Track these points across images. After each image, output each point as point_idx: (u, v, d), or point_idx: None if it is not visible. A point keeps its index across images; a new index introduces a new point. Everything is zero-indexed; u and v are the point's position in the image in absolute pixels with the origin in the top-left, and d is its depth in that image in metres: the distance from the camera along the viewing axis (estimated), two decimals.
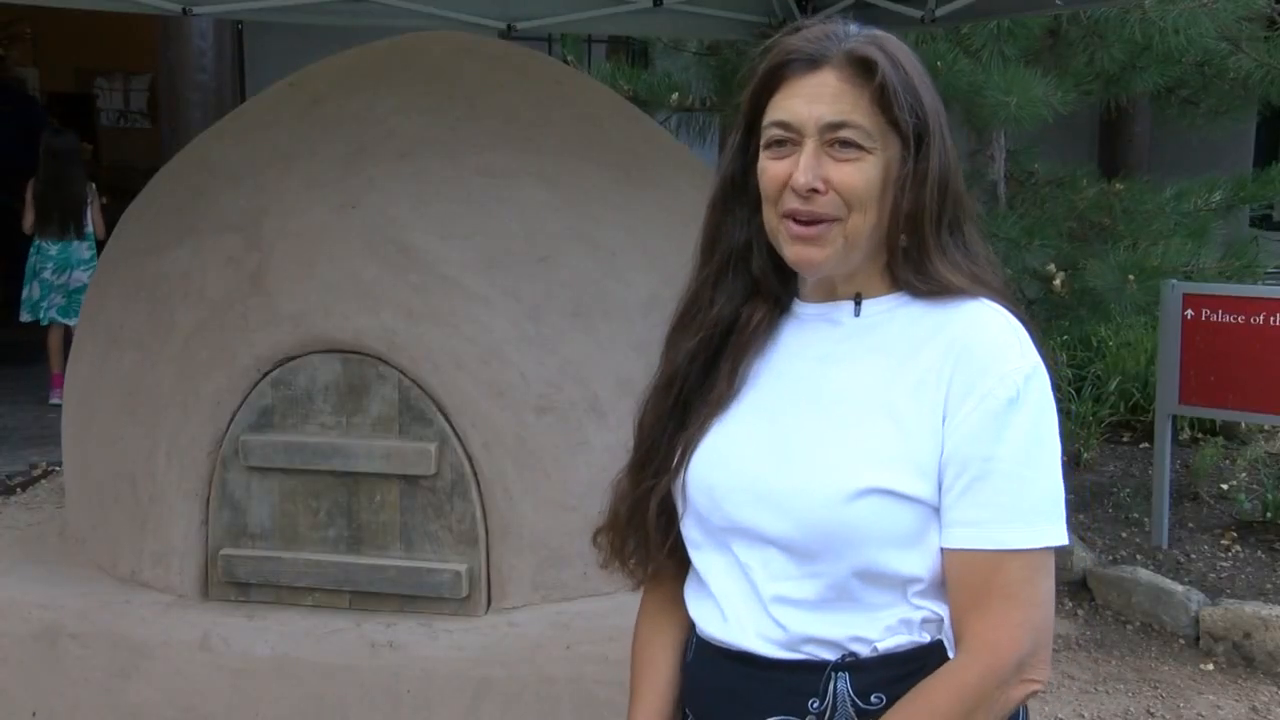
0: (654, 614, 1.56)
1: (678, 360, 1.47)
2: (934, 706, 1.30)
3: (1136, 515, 5.10)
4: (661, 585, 1.55)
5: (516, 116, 3.21)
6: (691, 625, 1.49)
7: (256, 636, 2.78)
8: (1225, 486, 5.40)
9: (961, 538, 1.31)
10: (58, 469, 5.53)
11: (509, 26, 4.87)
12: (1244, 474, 5.50)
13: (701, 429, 1.44)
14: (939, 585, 1.35)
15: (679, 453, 1.45)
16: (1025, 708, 1.39)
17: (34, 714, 2.86)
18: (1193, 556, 4.66)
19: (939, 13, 4.36)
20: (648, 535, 1.48)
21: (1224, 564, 4.60)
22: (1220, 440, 5.84)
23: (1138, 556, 4.64)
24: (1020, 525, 1.30)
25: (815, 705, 1.35)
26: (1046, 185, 6.30)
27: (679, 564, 1.51)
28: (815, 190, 1.31)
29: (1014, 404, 1.30)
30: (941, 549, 1.33)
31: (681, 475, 1.44)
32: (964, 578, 1.32)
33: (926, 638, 1.35)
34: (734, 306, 1.45)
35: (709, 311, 1.46)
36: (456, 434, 2.78)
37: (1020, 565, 1.30)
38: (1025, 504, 1.30)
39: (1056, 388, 1.35)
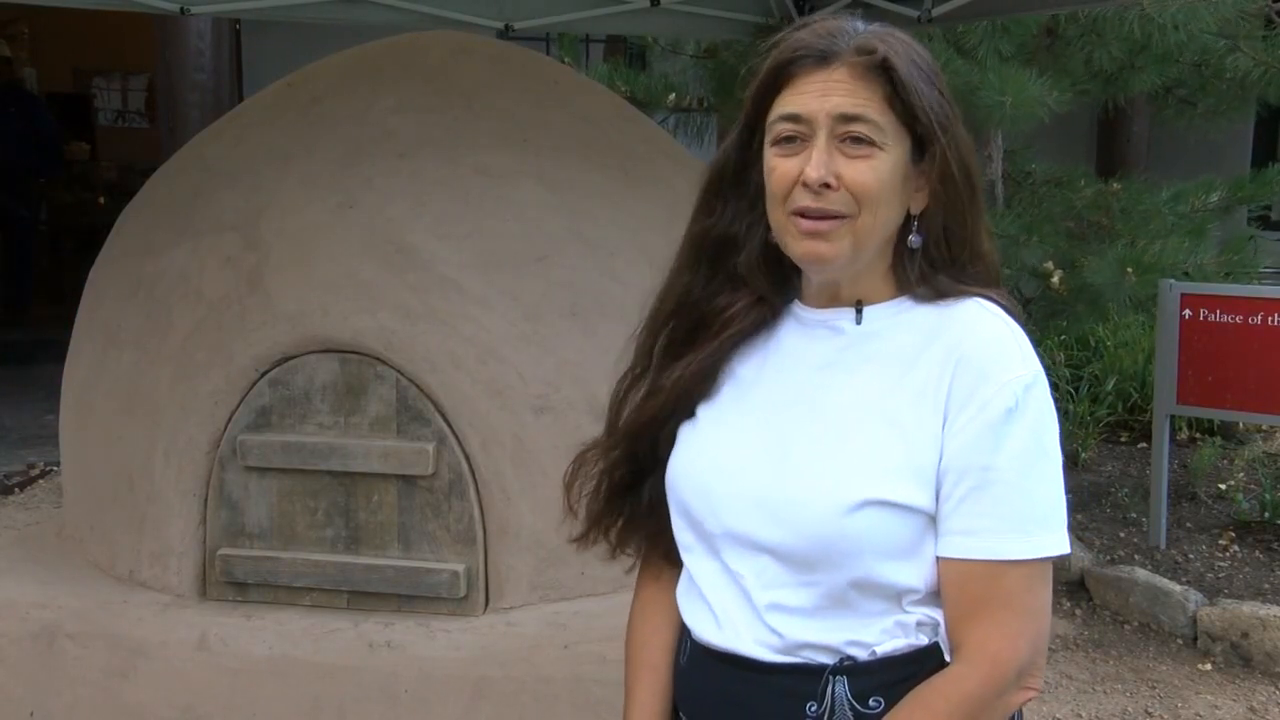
0: (648, 612, 1.55)
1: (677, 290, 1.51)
2: (933, 716, 1.29)
3: (1134, 515, 5.10)
4: (656, 581, 1.55)
5: (514, 116, 3.21)
6: (685, 626, 1.48)
7: (254, 636, 2.77)
8: (1223, 486, 5.40)
9: (959, 547, 1.30)
10: (56, 469, 5.54)
11: (507, 26, 4.87)
12: (1242, 474, 5.50)
13: (696, 426, 1.44)
14: (934, 594, 1.34)
15: (672, 439, 1.46)
16: (1020, 710, 1.39)
17: (31, 714, 2.86)
18: (1190, 556, 4.66)
19: (935, 12, 4.36)
20: (632, 514, 1.52)
21: (1222, 564, 4.60)
22: (1218, 440, 5.84)
23: (1135, 556, 4.64)
24: (1018, 536, 1.28)
25: (814, 709, 1.34)
26: (1044, 185, 6.29)
27: (665, 555, 1.51)
28: (827, 185, 1.29)
29: (1013, 414, 1.28)
30: (938, 557, 1.32)
31: (674, 472, 1.45)
32: (961, 587, 1.30)
33: (924, 640, 1.34)
34: (713, 290, 1.46)
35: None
36: (454, 434, 2.78)
37: (1018, 576, 1.29)
38: (1023, 515, 1.28)
39: (1054, 387, 1.34)
